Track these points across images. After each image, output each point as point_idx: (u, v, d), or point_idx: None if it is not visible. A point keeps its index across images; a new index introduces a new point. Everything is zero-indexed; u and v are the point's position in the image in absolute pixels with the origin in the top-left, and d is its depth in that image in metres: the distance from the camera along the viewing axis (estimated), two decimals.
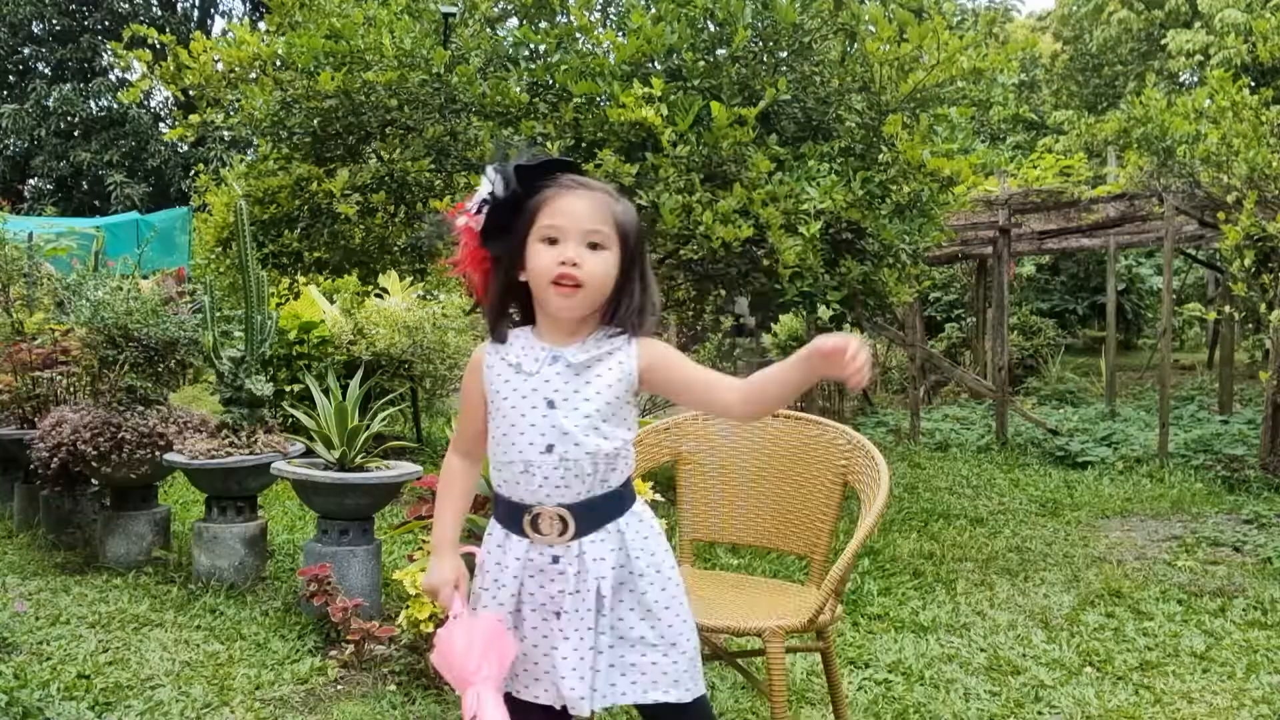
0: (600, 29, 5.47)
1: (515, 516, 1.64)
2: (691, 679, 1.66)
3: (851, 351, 1.45)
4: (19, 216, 11.43)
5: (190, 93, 5.88)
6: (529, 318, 1.69)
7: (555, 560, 1.62)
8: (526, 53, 5.36)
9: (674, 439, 2.61)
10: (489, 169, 1.64)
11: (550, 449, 1.60)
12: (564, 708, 1.64)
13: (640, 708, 1.68)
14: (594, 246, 1.59)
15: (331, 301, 8.26)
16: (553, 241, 1.59)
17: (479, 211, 1.64)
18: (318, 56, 5.02)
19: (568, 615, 1.61)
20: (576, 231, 1.58)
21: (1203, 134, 6.04)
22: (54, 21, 19.40)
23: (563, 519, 1.62)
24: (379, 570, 3.73)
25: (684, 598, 1.69)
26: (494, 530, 1.70)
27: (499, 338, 1.68)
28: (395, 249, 5.68)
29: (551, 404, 1.61)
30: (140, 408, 4.32)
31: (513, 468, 1.63)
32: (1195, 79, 17.41)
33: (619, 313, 1.63)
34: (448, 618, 1.67)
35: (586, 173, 1.69)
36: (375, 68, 4.98)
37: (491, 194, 1.62)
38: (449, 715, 2.81)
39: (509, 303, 1.69)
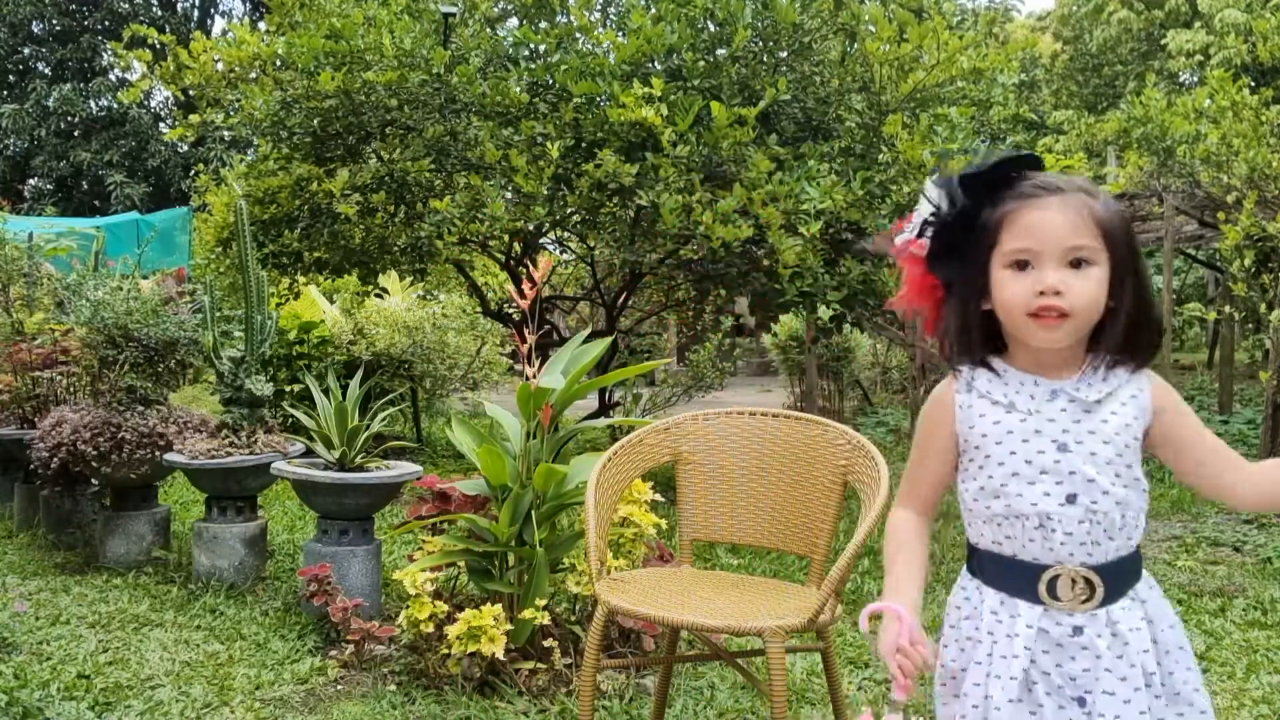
0: (600, 29, 5.47)
1: (1023, 577, 1.38)
2: None
3: None
4: (19, 216, 11.44)
5: (190, 93, 5.89)
6: (993, 345, 1.43)
7: (1077, 632, 1.35)
8: (526, 53, 5.37)
9: (674, 439, 2.61)
10: (928, 183, 1.41)
11: (1072, 499, 1.35)
12: None
13: None
14: (1077, 264, 1.31)
15: (331, 301, 8.26)
16: (1022, 265, 1.33)
17: (921, 235, 1.40)
18: (318, 56, 5.02)
19: (1107, 699, 1.33)
20: (1054, 252, 1.31)
21: (1203, 134, 6.05)
22: (54, 21, 19.41)
23: (1089, 581, 1.36)
24: (379, 570, 3.73)
25: (1200, 676, 1.43)
26: (973, 594, 1.47)
27: (968, 379, 1.43)
28: (395, 249, 5.68)
29: (1064, 447, 1.36)
30: (140, 408, 4.32)
31: (1025, 522, 1.37)
32: (1195, 79, 17.42)
33: (1113, 336, 1.35)
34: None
35: (1044, 165, 1.40)
36: (375, 68, 4.99)
37: (935, 213, 1.39)
38: (449, 715, 2.81)
39: (972, 334, 1.41)
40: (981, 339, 1.41)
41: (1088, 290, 1.31)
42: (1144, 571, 1.42)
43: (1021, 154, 1.39)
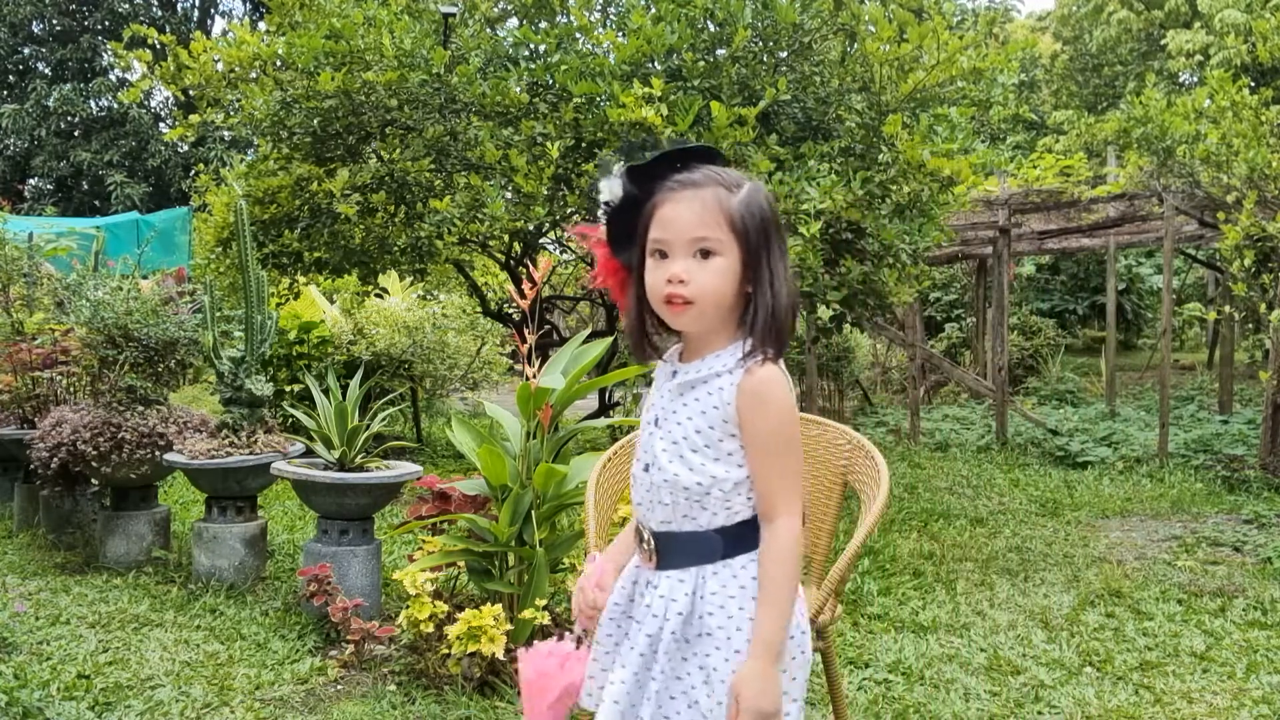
0: (600, 29, 5.47)
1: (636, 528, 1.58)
2: None
3: None
4: (19, 216, 11.43)
5: (190, 93, 5.88)
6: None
7: (649, 585, 1.54)
8: (526, 53, 5.36)
9: None
10: (608, 166, 1.49)
11: (646, 468, 1.51)
12: None
13: None
14: (706, 255, 1.41)
15: (331, 301, 8.26)
16: (663, 255, 1.44)
17: (601, 221, 1.51)
18: (318, 56, 5.02)
19: (629, 651, 1.53)
20: (681, 242, 1.41)
21: (1203, 134, 6.05)
22: (54, 21, 19.41)
23: (648, 543, 1.53)
24: (379, 570, 3.73)
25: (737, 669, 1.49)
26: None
27: (641, 356, 1.54)
28: (395, 249, 5.68)
29: (656, 422, 1.51)
30: (140, 408, 4.32)
31: (631, 479, 1.57)
32: (1195, 79, 17.42)
33: (750, 323, 1.44)
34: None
35: (717, 155, 1.49)
36: (375, 68, 4.98)
37: (608, 202, 1.49)
38: (449, 715, 2.81)
39: (642, 315, 1.51)
40: (654, 319, 1.52)
41: (709, 280, 1.41)
42: (736, 562, 1.47)
43: (693, 146, 1.46)
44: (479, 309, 7.73)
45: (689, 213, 1.41)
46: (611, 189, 1.48)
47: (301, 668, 3.15)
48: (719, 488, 1.45)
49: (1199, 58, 16.01)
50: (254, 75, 5.46)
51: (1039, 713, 2.91)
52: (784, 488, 1.45)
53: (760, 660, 1.41)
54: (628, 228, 1.47)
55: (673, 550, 1.50)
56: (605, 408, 6.68)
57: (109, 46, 16.36)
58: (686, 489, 1.46)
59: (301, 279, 6.35)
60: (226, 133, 7.58)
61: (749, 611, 1.45)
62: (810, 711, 2.88)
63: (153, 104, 20.12)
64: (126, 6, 19.28)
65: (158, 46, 6.08)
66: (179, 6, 20.94)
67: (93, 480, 4.61)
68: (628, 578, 1.58)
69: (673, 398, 1.48)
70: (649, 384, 1.63)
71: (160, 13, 20.22)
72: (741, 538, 1.47)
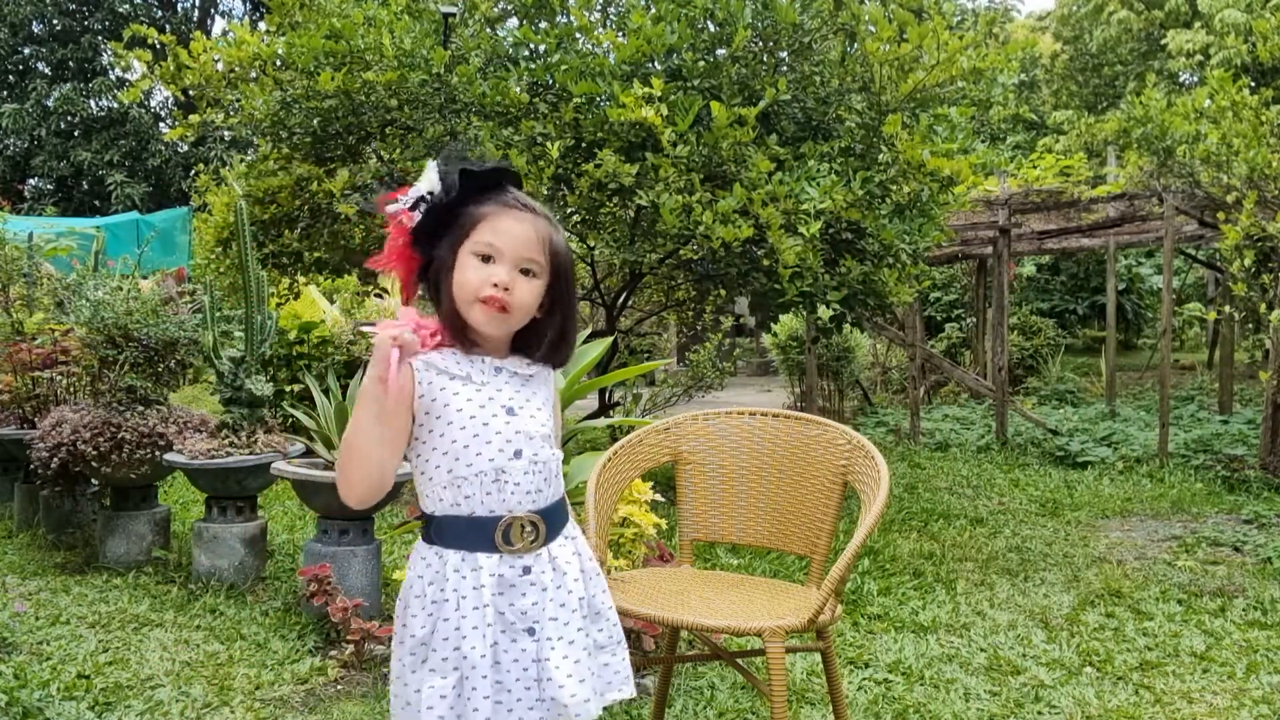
0: (600, 29, 5.47)
1: (482, 531, 1.56)
2: (630, 672, 1.69)
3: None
4: (19, 216, 11.44)
5: (190, 93, 5.88)
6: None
7: (526, 571, 1.57)
8: (526, 53, 5.36)
9: (674, 439, 2.61)
10: (430, 165, 1.56)
11: (519, 454, 1.57)
12: None
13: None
14: (526, 273, 1.55)
15: (331, 301, 8.25)
16: (487, 259, 1.54)
17: (414, 208, 1.55)
18: (318, 56, 5.02)
19: (553, 622, 1.57)
20: (513, 255, 1.54)
21: (1203, 134, 6.04)
22: (54, 21, 19.41)
23: (535, 525, 1.58)
24: (379, 570, 3.73)
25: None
26: (433, 560, 1.57)
27: (425, 357, 1.58)
28: None
29: (511, 411, 1.58)
30: (140, 408, 4.32)
31: (483, 478, 1.55)
32: (1195, 79, 17.43)
33: (537, 342, 1.62)
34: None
35: (527, 188, 1.64)
36: (375, 68, 4.98)
37: (430, 194, 1.55)
38: None
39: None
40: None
41: (526, 297, 1.56)
42: (570, 516, 1.69)
43: (512, 169, 1.62)
44: None
45: (525, 234, 1.55)
46: (432, 183, 1.55)
47: (301, 668, 3.15)
48: (560, 462, 1.66)
49: (1199, 58, 16.01)
50: (254, 75, 5.46)
51: (1039, 713, 2.91)
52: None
53: None
54: (435, 224, 1.56)
55: (555, 523, 1.62)
56: (605, 408, 6.68)
57: (109, 46, 16.35)
58: (557, 462, 1.64)
59: (301, 279, 6.35)
60: (226, 133, 7.58)
61: (593, 553, 1.72)
62: (810, 711, 2.88)
63: (153, 104, 20.13)
64: (126, 6, 19.28)
65: (158, 46, 6.08)
66: (179, 6, 20.95)
67: (93, 480, 4.61)
68: (485, 590, 1.54)
69: (517, 388, 1.61)
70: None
71: (160, 13, 20.23)
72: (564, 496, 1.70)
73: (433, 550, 1.58)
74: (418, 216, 1.55)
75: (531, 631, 1.55)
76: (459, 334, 1.58)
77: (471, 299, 1.54)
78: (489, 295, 1.53)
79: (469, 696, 1.52)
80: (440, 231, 1.56)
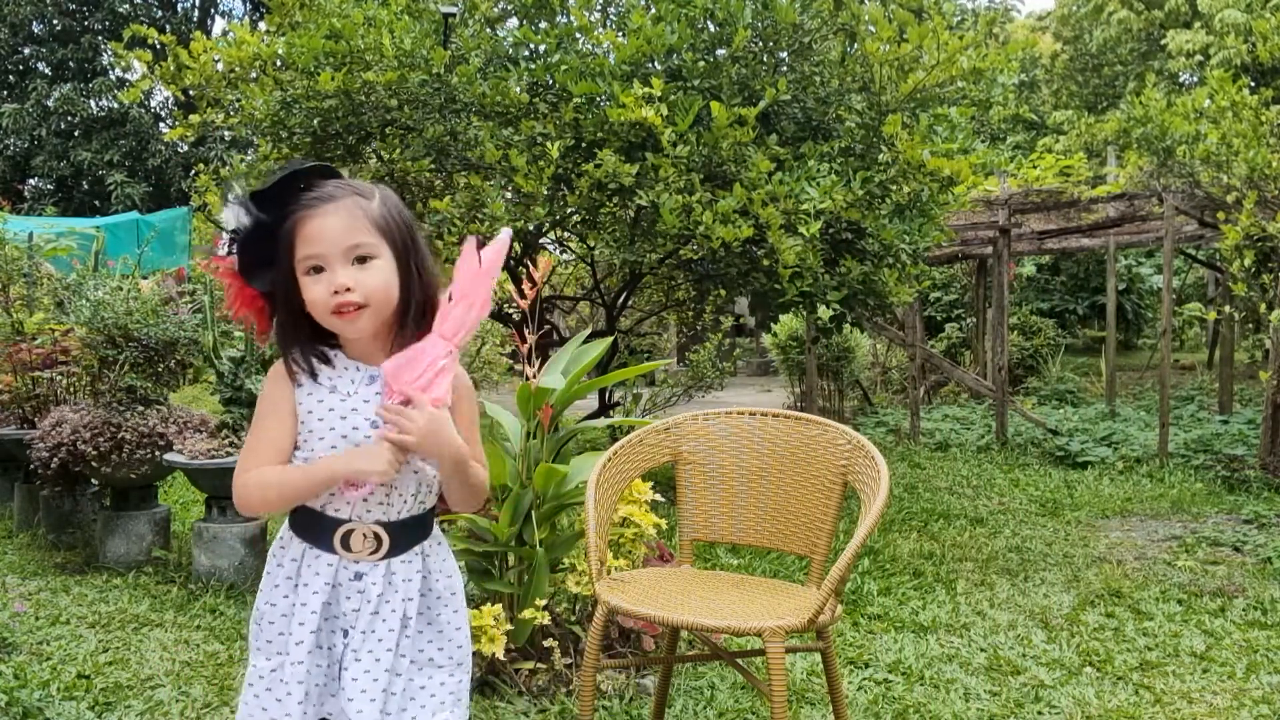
0: (600, 29, 5.47)
1: (325, 531, 1.56)
2: (467, 695, 1.65)
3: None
4: (19, 216, 11.44)
5: (190, 93, 5.88)
6: (328, 336, 1.58)
7: (358, 577, 1.56)
8: (526, 53, 5.36)
9: (674, 439, 2.61)
10: (225, 203, 1.53)
11: None
12: None
13: None
14: (362, 260, 1.49)
15: None
16: (318, 270, 1.49)
17: (230, 252, 1.52)
18: (318, 56, 5.02)
19: (363, 635, 1.55)
20: (337, 252, 1.48)
21: (1203, 134, 6.04)
22: (54, 21, 19.40)
23: (377, 536, 1.56)
24: None
25: (467, 616, 1.69)
26: (290, 544, 1.60)
27: (306, 375, 1.56)
28: None
29: (375, 424, 1.53)
30: (140, 408, 4.32)
31: (335, 486, 1.55)
32: (1195, 79, 17.43)
33: (412, 318, 1.54)
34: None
35: (334, 171, 1.56)
36: (375, 68, 4.98)
37: (235, 231, 1.50)
38: None
39: (302, 333, 1.55)
40: (312, 333, 1.55)
41: (374, 281, 1.49)
42: (436, 531, 1.65)
43: (310, 165, 1.52)
44: None
45: (336, 224, 1.48)
46: (236, 216, 1.50)
47: None
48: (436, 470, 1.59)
49: (1199, 58, 16.02)
50: (254, 75, 5.46)
51: (1039, 713, 2.91)
52: (478, 440, 1.63)
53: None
54: (260, 254, 1.51)
55: (405, 537, 1.58)
56: (605, 408, 6.68)
57: (109, 46, 16.37)
58: (429, 477, 1.58)
59: None
60: (226, 133, 7.58)
61: (456, 566, 1.68)
62: (810, 711, 2.88)
63: (153, 104, 20.11)
64: (126, 6, 19.27)
65: (158, 46, 6.08)
66: (179, 6, 20.94)
67: (93, 480, 4.61)
68: (308, 587, 1.56)
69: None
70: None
71: (160, 13, 20.21)
72: (434, 509, 1.64)
73: (289, 534, 1.61)
74: (235, 257, 1.52)
75: (345, 633, 1.57)
76: (343, 343, 1.57)
77: (325, 315, 1.50)
78: (336, 305, 1.48)
79: (284, 679, 1.55)
80: (269, 262, 1.51)
